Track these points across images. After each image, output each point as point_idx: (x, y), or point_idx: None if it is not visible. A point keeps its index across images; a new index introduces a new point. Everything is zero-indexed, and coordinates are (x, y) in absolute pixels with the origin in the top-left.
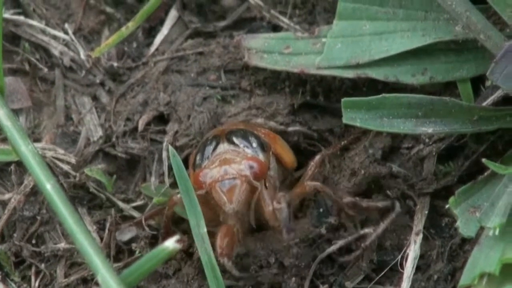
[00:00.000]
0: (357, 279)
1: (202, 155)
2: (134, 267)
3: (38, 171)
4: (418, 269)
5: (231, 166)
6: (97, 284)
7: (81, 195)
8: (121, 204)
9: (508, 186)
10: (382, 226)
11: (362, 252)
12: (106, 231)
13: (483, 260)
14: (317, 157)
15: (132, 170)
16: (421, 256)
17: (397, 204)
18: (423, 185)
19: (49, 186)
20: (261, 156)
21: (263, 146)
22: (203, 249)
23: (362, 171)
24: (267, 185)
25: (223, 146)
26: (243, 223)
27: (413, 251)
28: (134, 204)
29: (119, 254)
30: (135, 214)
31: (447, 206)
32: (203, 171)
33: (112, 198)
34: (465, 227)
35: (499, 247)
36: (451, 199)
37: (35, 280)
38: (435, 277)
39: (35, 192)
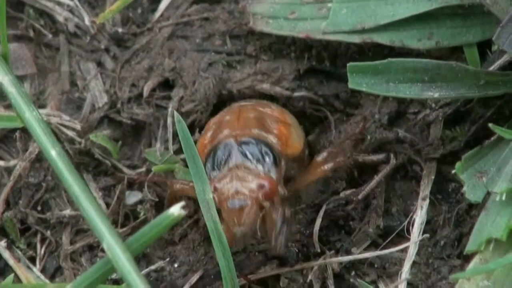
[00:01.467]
0: (363, 245)
1: (212, 162)
2: (140, 234)
3: (43, 138)
4: (424, 234)
5: (242, 185)
6: (102, 251)
7: (86, 162)
8: (126, 170)
9: None
10: (376, 179)
11: (354, 204)
12: (115, 198)
13: (490, 226)
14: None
15: (137, 136)
16: (428, 222)
17: (392, 157)
18: (430, 150)
19: (54, 153)
20: (273, 173)
21: (276, 160)
22: (209, 215)
23: (369, 136)
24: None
25: (235, 158)
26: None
27: (419, 216)
28: (139, 170)
29: (125, 220)
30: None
31: (453, 171)
32: (213, 186)
33: (117, 165)
34: (471, 192)
35: (506, 212)
36: (458, 164)
37: (41, 247)
38: (442, 242)
39: (40, 158)
